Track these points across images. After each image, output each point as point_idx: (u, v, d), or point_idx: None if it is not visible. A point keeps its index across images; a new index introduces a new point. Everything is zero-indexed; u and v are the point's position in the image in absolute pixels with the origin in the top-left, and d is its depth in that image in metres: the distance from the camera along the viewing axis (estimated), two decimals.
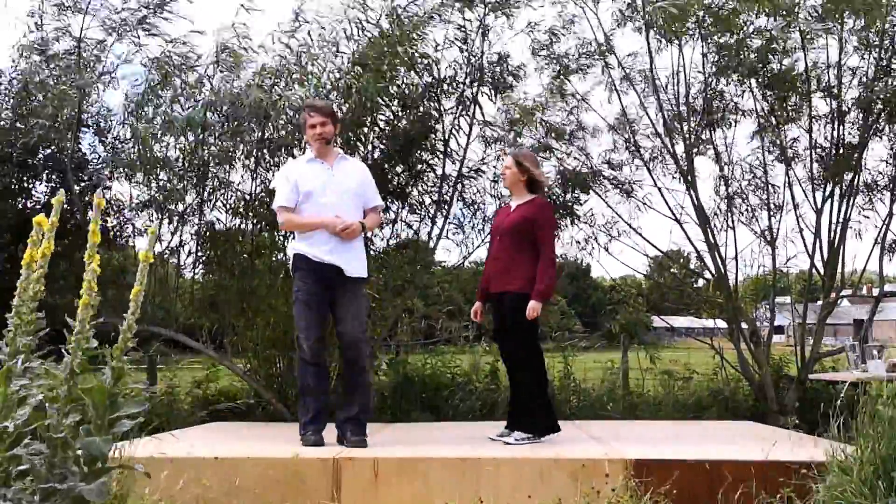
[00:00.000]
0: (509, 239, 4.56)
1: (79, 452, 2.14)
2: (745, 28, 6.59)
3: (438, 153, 6.92)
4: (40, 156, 7.38)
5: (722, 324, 7.58)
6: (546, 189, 4.96)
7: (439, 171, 6.97)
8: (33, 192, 7.67)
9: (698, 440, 4.83)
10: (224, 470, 3.75)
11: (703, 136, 7.20)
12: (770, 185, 7.19)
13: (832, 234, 6.93)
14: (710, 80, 7.02)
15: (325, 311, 4.48)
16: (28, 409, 2.13)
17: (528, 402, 4.51)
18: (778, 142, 7.13)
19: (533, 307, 4.37)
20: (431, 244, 7.04)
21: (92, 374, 2.24)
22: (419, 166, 6.92)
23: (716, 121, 7.16)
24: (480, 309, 4.83)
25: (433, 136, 6.83)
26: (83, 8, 6.61)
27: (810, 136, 6.99)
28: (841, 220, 6.92)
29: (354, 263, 4.47)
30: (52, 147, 7.23)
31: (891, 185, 7.08)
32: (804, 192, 7.08)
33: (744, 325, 7.22)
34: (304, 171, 4.51)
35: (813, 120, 6.97)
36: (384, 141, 6.73)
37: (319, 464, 3.78)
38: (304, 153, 4.88)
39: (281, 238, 6.76)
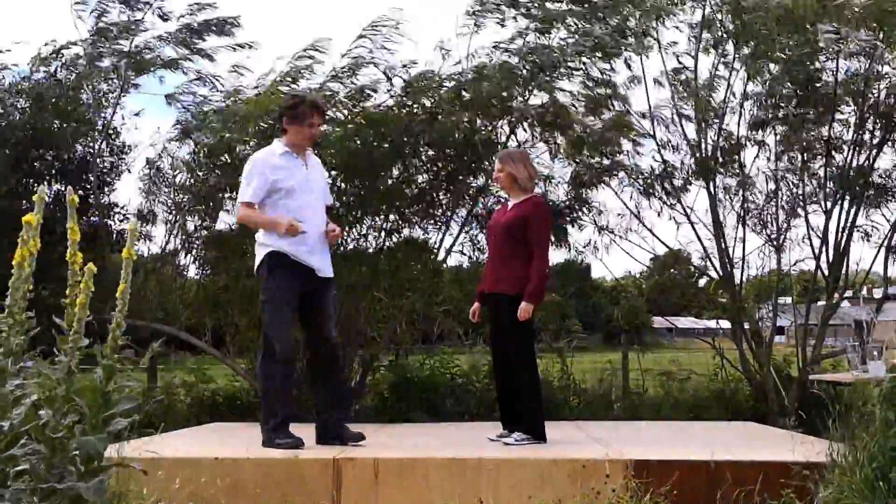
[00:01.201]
0: (503, 238, 4.52)
1: (75, 452, 2.14)
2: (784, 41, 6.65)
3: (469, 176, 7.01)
4: (47, 159, 7.43)
5: (723, 324, 7.58)
6: (536, 183, 4.93)
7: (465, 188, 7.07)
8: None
9: (699, 441, 4.83)
10: (224, 470, 3.75)
11: (731, 141, 7.24)
12: (781, 190, 7.23)
13: (839, 235, 6.95)
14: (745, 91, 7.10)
15: (295, 312, 4.38)
16: (24, 408, 2.13)
17: (528, 403, 4.49)
18: (797, 149, 7.16)
19: (524, 308, 4.32)
20: (442, 253, 7.10)
21: (84, 374, 2.24)
22: (453, 188, 7.01)
23: (745, 138, 7.22)
24: (478, 310, 4.79)
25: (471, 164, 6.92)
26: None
27: (828, 146, 7.01)
28: (849, 224, 6.95)
29: (328, 264, 4.43)
30: (65, 150, 7.29)
31: None
32: (816, 194, 7.11)
33: (746, 326, 7.22)
34: (280, 165, 4.33)
35: (832, 127, 7.02)
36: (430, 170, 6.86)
37: (319, 464, 3.78)
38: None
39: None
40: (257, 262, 4.37)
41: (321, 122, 4.45)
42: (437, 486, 3.70)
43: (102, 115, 6.99)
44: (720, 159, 7.13)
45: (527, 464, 3.77)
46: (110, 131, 7.58)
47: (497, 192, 6.96)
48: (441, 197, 6.99)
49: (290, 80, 6.60)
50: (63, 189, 7.48)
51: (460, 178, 6.91)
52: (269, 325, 4.29)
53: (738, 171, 7.26)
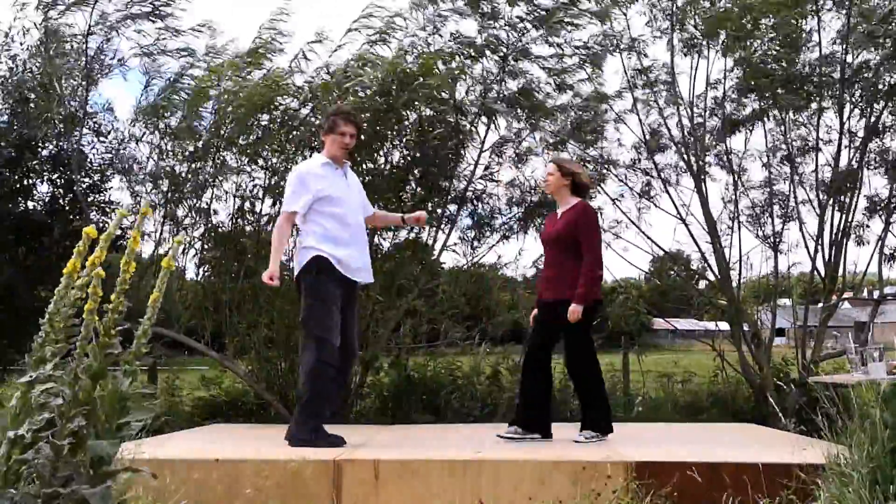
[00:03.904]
0: (556, 247, 4.65)
1: (85, 456, 2.13)
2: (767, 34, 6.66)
3: (451, 169, 6.99)
4: (42, 156, 7.40)
5: (723, 326, 7.58)
6: (591, 190, 5.02)
7: (449, 185, 7.04)
8: (34, 193, 7.68)
9: (699, 442, 4.83)
10: (224, 472, 3.75)
11: (717, 143, 7.23)
12: (777, 193, 7.22)
13: (833, 237, 6.95)
14: (730, 87, 7.11)
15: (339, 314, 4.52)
16: (46, 414, 2.11)
17: (592, 401, 4.62)
18: (787, 153, 7.16)
19: (573, 310, 4.44)
20: (436, 250, 7.07)
21: (107, 378, 2.22)
22: (436, 182, 6.97)
23: (732, 128, 7.20)
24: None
25: (450, 154, 6.89)
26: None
27: (816, 152, 7.03)
28: (842, 228, 6.95)
29: (369, 268, 4.62)
30: (53, 146, 7.25)
31: (888, 198, 7.14)
32: (809, 199, 7.14)
33: (745, 327, 7.22)
34: (322, 175, 4.48)
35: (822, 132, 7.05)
36: (404, 156, 6.83)
37: (320, 466, 3.77)
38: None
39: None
40: (301, 265, 4.44)
41: (352, 130, 4.57)
42: (437, 487, 3.70)
43: (77, 108, 6.89)
44: (705, 153, 7.15)
45: (527, 465, 3.77)
46: (94, 125, 7.52)
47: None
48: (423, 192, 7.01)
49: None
50: (57, 187, 7.48)
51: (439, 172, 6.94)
52: (319, 326, 4.33)
53: (727, 166, 7.26)
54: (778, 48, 6.74)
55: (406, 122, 6.71)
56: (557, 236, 4.63)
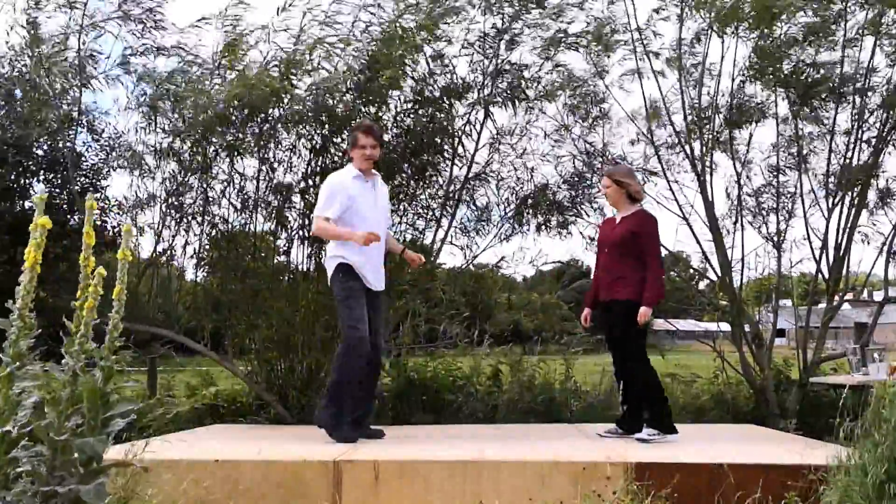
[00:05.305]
0: (616, 251, 4.85)
1: (76, 455, 2.13)
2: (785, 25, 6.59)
3: (447, 156, 6.90)
4: (37, 155, 7.37)
5: (723, 326, 7.56)
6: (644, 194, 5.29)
7: (446, 175, 6.96)
8: (31, 192, 7.66)
9: (699, 443, 4.81)
10: (225, 472, 3.74)
11: (721, 137, 7.17)
12: (782, 190, 7.19)
13: (839, 238, 6.91)
14: (738, 79, 7.02)
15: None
16: (28, 410, 2.11)
17: (650, 398, 4.77)
18: (796, 148, 7.12)
19: (644, 313, 4.65)
20: (436, 247, 7.03)
21: (86, 376, 2.22)
22: (427, 170, 6.90)
23: (739, 122, 7.14)
24: (589, 315, 5.09)
25: (444, 138, 6.80)
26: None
27: (830, 144, 6.99)
28: (849, 226, 6.90)
29: (381, 279, 4.93)
30: (49, 146, 7.22)
31: None
32: (815, 197, 7.10)
33: (746, 328, 7.19)
34: (352, 186, 4.77)
35: (835, 127, 6.97)
36: (394, 139, 6.73)
37: (320, 466, 3.76)
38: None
39: (283, 242, 6.78)
40: (330, 272, 4.81)
41: (372, 142, 4.82)
42: (437, 488, 3.69)
43: (68, 106, 6.82)
44: (713, 138, 7.08)
45: (527, 466, 3.76)
46: (87, 123, 7.46)
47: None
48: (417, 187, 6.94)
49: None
50: (54, 187, 7.46)
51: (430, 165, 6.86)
52: (350, 319, 4.65)
53: (731, 158, 7.22)
54: (797, 38, 6.67)
55: (392, 102, 6.60)
56: (615, 241, 4.85)
